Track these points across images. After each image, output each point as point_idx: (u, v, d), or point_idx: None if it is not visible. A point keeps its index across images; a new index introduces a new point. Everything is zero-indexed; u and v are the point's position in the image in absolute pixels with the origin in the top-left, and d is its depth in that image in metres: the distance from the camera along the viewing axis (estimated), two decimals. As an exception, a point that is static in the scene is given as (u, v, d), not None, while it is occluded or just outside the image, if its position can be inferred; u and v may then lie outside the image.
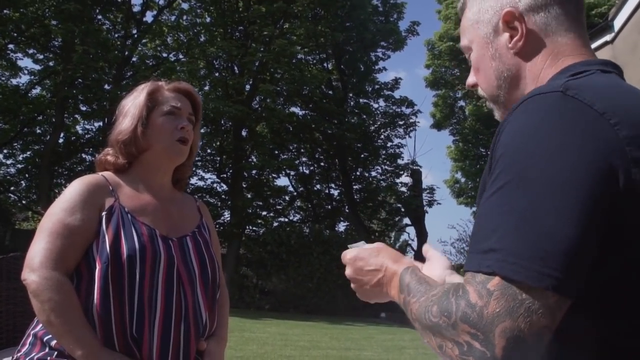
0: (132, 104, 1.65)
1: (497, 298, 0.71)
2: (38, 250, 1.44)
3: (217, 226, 19.90)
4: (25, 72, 20.52)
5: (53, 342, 1.44)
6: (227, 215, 21.07)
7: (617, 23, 7.09)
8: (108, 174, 1.62)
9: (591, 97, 0.77)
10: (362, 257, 1.02)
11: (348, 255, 1.05)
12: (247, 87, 20.50)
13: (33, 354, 1.45)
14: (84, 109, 20.73)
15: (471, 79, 1.06)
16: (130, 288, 1.43)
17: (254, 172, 21.67)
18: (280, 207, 23.12)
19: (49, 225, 1.47)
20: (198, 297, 1.56)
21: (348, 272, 1.04)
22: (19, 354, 1.47)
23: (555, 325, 0.70)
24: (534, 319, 0.69)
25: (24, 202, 21.64)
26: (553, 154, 0.74)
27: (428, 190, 23.09)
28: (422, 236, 21.76)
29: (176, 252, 1.55)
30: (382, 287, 0.97)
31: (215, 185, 22.29)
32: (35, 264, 1.42)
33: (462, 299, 0.74)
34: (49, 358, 1.43)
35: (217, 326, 1.65)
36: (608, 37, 7.23)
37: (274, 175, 22.66)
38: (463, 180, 24.91)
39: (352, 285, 1.04)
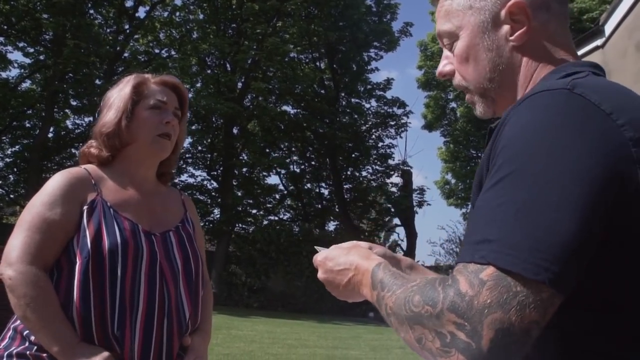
0: (117, 96, 1.62)
1: (490, 288, 0.68)
2: (16, 245, 1.42)
3: (207, 223, 19.83)
4: (15, 65, 20.31)
5: (33, 337, 1.42)
6: (217, 212, 21.02)
7: (608, 28, 7.14)
8: (91, 167, 1.59)
9: (598, 97, 0.76)
10: (331, 257, 0.97)
11: (318, 257, 1.00)
12: (239, 84, 20.46)
13: (12, 348, 1.43)
14: (74, 103, 20.57)
15: (448, 67, 0.99)
16: (111, 284, 1.41)
17: (244, 169, 21.63)
18: (270, 205, 23.07)
19: (28, 218, 1.45)
20: (181, 292, 1.54)
21: (320, 274, 0.99)
22: (-2, 348, 1.45)
23: (545, 321, 0.68)
24: (525, 313, 0.67)
25: (11, 196, 21.43)
26: (558, 149, 0.71)
27: (418, 191, 23.18)
28: (411, 237, 21.82)
29: (159, 247, 1.54)
30: (354, 286, 0.91)
31: (205, 182, 22.22)
32: (12, 258, 1.40)
33: (450, 288, 0.70)
34: (28, 352, 1.41)
35: (201, 321, 1.64)
36: (599, 42, 7.28)
37: (264, 173, 22.64)
38: (453, 181, 24.98)
39: (327, 287, 0.99)
